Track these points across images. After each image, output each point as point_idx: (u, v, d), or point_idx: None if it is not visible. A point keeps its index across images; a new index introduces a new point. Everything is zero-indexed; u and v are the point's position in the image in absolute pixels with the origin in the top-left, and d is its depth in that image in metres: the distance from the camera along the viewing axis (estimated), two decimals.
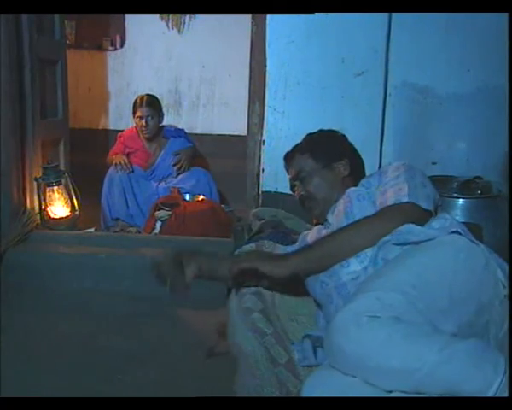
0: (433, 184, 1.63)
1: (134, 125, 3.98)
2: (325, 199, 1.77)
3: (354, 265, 1.46)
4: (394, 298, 1.16)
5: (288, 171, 1.92)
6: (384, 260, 1.41)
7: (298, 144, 1.91)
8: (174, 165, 3.89)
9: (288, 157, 1.91)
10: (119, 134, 4.07)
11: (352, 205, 1.61)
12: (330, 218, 1.71)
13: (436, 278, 1.25)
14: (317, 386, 1.19)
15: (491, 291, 1.29)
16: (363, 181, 1.71)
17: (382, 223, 1.47)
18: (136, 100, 3.94)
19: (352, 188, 1.68)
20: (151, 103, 3.89)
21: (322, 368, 1.25)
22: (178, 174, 3.89)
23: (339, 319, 1.15)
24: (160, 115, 3.98)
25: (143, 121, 3.85)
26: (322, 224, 1.77)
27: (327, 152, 1.83)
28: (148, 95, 3.98)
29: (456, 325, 1.22)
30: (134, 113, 3.91)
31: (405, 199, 1.50)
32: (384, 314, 1.11)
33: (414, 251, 1.35)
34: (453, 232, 1.40)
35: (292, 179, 1.88)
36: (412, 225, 1.43)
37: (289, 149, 1.93)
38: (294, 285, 1.63)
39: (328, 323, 1.43)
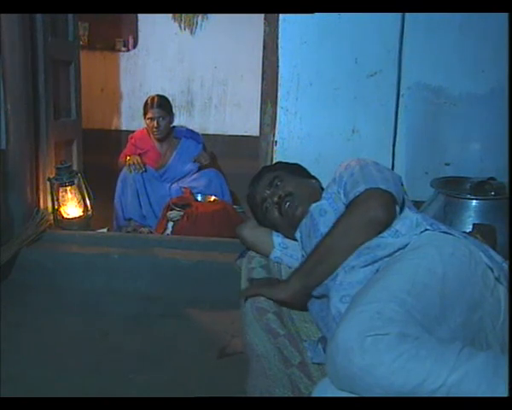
0: (393, 173, 1.62)
1: (145, 126, 3.99)
2: (305, 197, 1.75)
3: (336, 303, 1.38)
4: (393, 310, 1.12)
5: (256, 201, 1.89)
6: (351, 284, 1.35)
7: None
8: (195, 161, 3.95)
9: (256, 180, 1.92)
10: (130, 136, 4.08)
11: (317, 223, 1.63)
12: (298, 235, 1.73)
13: (428, 279, 1.20)
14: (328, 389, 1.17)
15: (481, 283, 1.24)
16: (323, 194, 1.73)
17: (354, 216, 1.46)
18: (146, 101, 3.94)
19: (314, 204, 1.69)
20: (162, 104, 3.89)
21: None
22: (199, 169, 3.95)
23: (341, 339, 1.09)
24: (171, 116, 3.98)
25: (154, 122, 3.86)
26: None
27: (296, 170, 1.92)
28: (158, 95, 3.98)
29: (451, 329, 1.17)
30: (145, 114, 3.92)
31: (362, 188, 1.49)
32: (387, 331, 1.07)
33: (393, 262, 1.29)
34: (423, 232, 1.35)
35: (268, 187, 1.84)
36: (377, 239, 1.39)
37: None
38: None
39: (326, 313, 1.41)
